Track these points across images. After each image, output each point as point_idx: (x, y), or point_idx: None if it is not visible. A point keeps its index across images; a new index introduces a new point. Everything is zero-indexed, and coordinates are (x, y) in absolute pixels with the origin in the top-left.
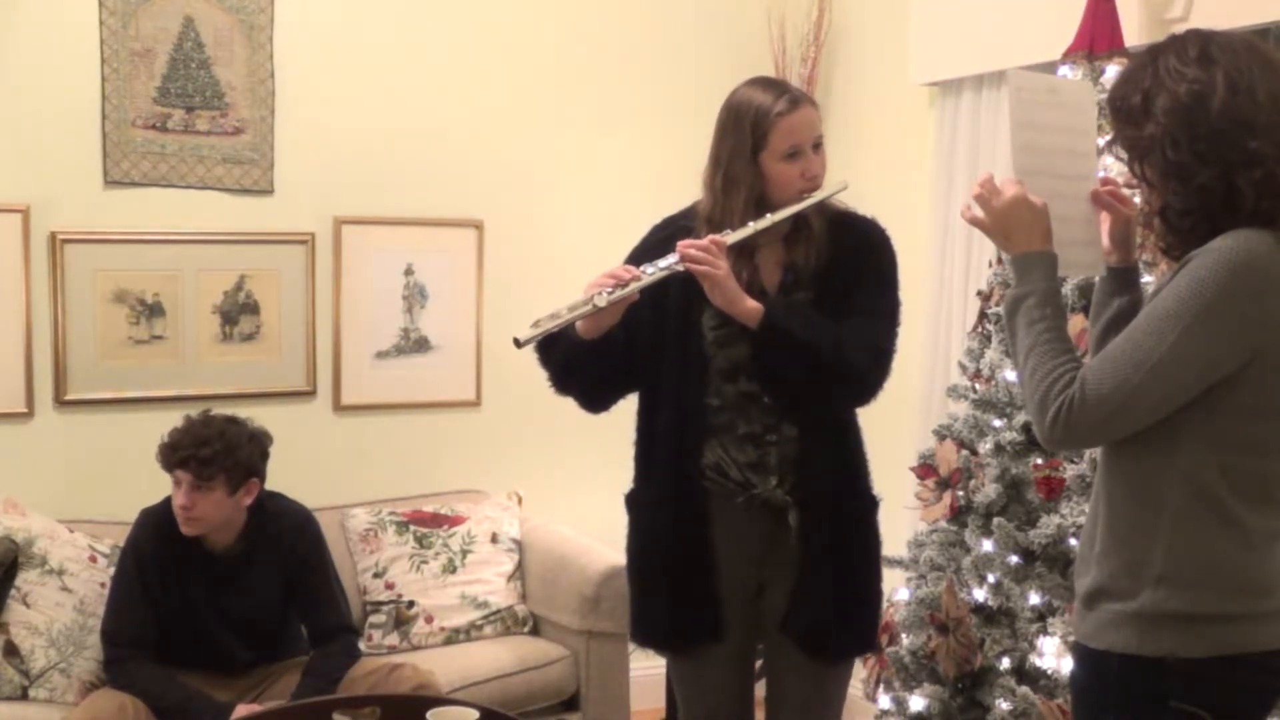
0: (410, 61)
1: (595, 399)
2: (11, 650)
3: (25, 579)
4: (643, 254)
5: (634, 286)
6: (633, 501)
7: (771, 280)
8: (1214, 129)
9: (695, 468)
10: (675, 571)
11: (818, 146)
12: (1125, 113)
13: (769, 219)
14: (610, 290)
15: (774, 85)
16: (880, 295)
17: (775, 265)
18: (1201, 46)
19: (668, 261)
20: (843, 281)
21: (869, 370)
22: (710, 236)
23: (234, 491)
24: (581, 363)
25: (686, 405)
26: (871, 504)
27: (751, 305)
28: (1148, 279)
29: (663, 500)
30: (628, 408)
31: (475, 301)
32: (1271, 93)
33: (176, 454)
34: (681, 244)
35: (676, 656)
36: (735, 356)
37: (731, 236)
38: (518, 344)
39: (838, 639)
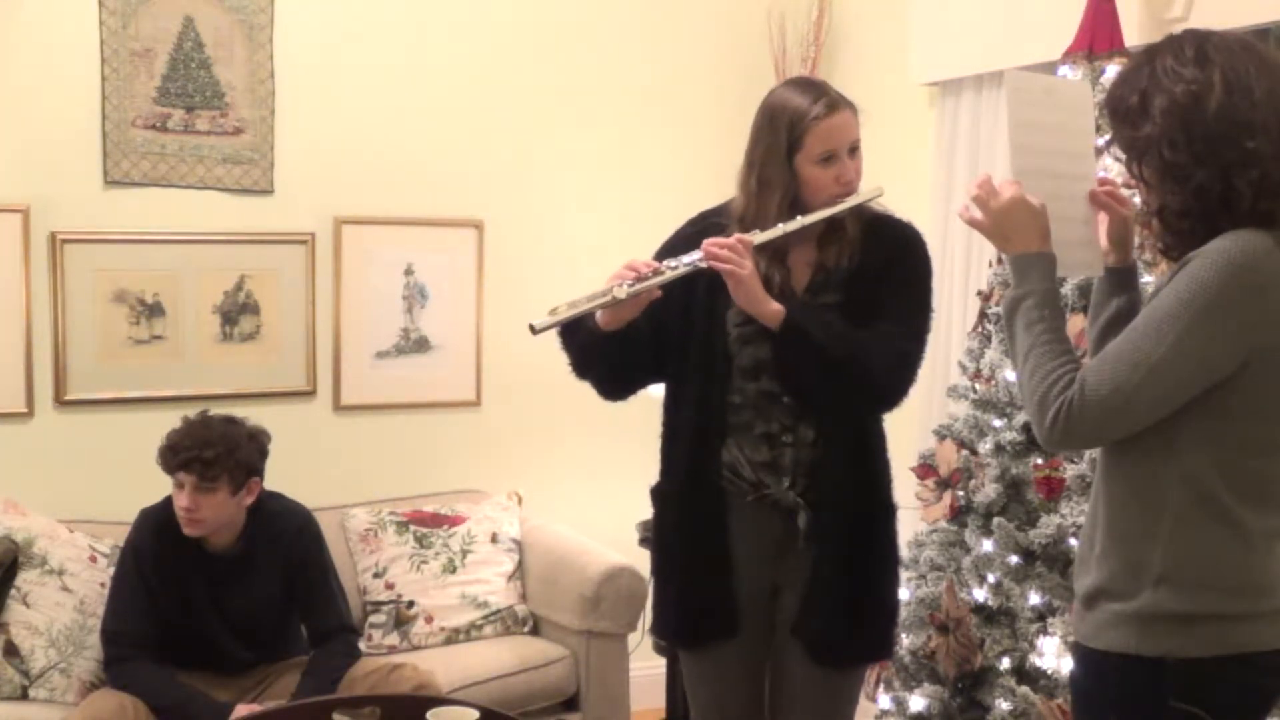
0: (410, 62)
1: (612, 388)
2: (11, 650)
3: (25, 579)
4: (673, 247)
5: (654, 280)
6: (656, 495)
7: (800, 280)
8: (1211, 129)
9: (712, 465)
10: (691, 567)
11: (854, 151)
12: (1122, 113)
13: (799, 221)
14: (631, 283)
15: (812, 87)
16: (909, 301)
17: (805, 265)
18: (1198, 47)
19: (691, 258)
20: (872, 285)
21: (889, 378)
22: (737, 235)
23: (236, 491)
24: (600, 351)
25: (708, 402)
26: (887, 511)
27: (774, 307)
28: (1148, 279)
29: (681, 496)
30: (632, 406)
31: (475, 301)
32: (1269, 92)
33: (179, 456)
34: (707, 242)
35: (689, 653)
36: (758, 355)
37: (759, 237)
38: (533, 330)
39: (847, 646)
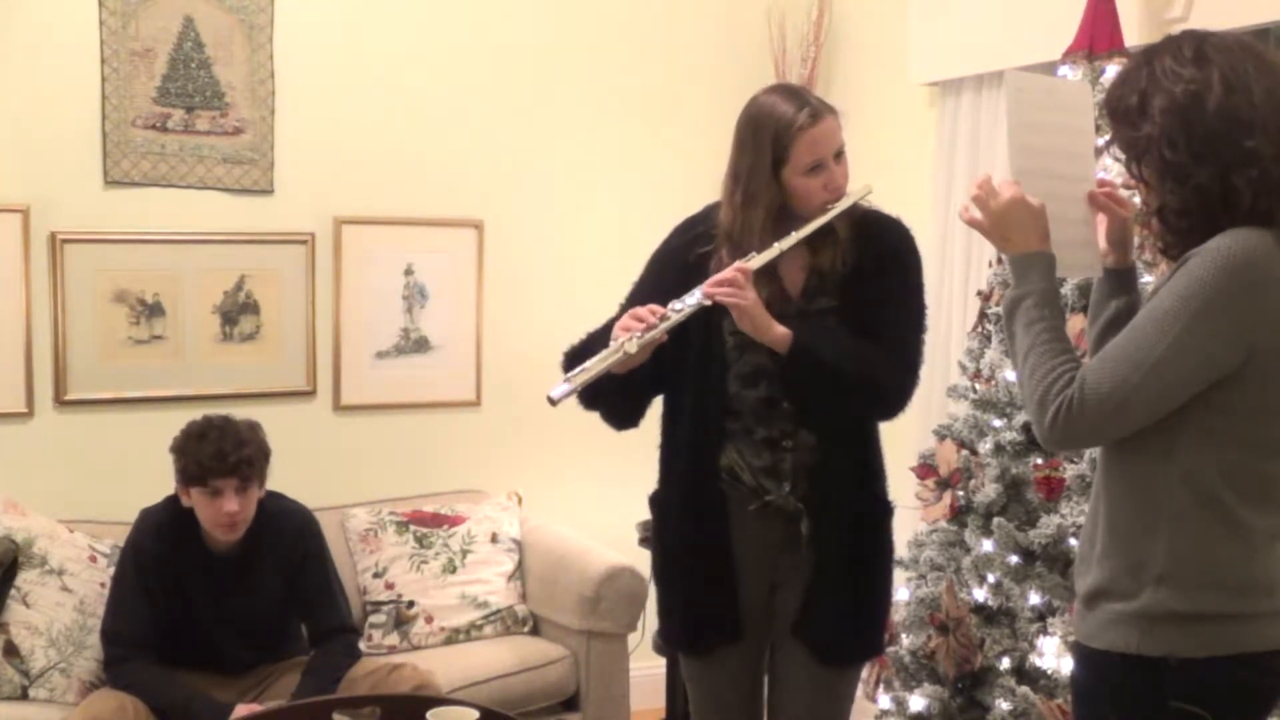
0: (410, 61)
1: (622, 419)
2: (11, 650)
3: (25, 579)
4: (665, 259)
5: (662, 327)
6: (655, 503)
7: (795, 284)
8: (1210, 129)
9: (712, 470)
10: (693, 573)
11: (839, 156)
12: (1122, 114)
13: (794, 237)
14: (640, 334)
15: (794, 95)
16: (908, 304)
17: (800, 269)
18: (1197, 47)
19: (695, 298)
20: (868, 287)
21: (899, 387)
22: (736, 264)
23: (262, 485)
24: (609, 391)
25: (706, 408)
26: (886, 511)
27: (780, 332)
28: (1148, 279)
29: (681, 502)
30: None
31: (475, 301)
32: (1268, 91)
33: (226, 462)
34: (706, 285)
35: (693, 658)
36: (756, 361)
37: (756, 261)
38: (552, 402)
39: (847, 644)
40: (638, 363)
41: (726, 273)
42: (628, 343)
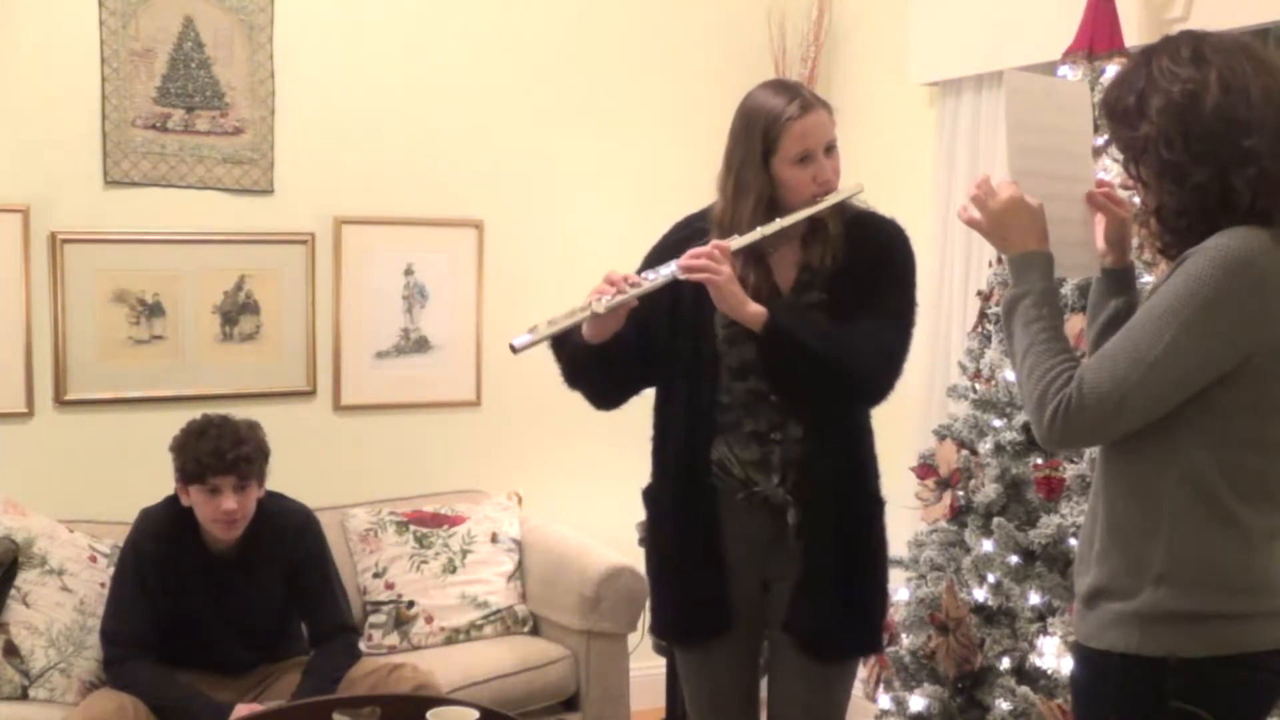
0: (410, 61)
1: (603, 397)
2: (11, 650)
3: (25, 579)
4: (660, 254)
5: (631, 294)
6: (648, 497)
7: (786, 280)
8: (1208, 128)
9: (703, 464)
10: (685, 565)
11: (830, 150)
12: (1120, 114)
13: (777, 224)
14: (610, 297)
15: (786, 89)
16: (893, 296)
17: (791, 265)
18: (1194, 47)
19: (669, 269)
20: (857, 283)
21: (875, 374)
22: (714, 242)
23: (262, 483)
24: (588, 363)
25: (697, 402)
26: (876, 505)
27: (755, 310)
28: (1147, 279)
29: (674, 496)
30: (631, 406)
31: (475, 301)
32: (1265, 91)
33: (225, 460)
34: (681, 258)
35: (685, 650)
36: (746, 355)
37: (737, 242)
38: (513, 350)
39: (838, 640)
40: (612, 327)
41: (702, 249)
42: (595, 304)
